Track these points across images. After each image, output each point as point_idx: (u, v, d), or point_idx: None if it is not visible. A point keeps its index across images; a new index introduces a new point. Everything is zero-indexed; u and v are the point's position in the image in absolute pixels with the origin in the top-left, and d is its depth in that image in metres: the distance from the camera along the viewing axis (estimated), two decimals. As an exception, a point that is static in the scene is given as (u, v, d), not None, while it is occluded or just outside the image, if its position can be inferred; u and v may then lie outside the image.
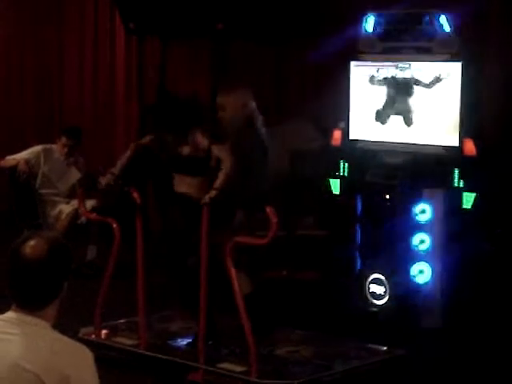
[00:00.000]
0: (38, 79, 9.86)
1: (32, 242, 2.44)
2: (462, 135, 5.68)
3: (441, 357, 5.41)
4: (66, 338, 2.49)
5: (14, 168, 7.43)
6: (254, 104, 5.58)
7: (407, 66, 5.89)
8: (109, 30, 9.23)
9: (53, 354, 2.40)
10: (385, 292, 5.88)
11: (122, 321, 5.78)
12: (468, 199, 5.67)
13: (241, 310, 4.81)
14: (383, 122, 6.04)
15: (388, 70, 5.98)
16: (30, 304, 2.45)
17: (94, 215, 6.14)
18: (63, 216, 7.37)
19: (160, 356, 5.22)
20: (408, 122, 5.92)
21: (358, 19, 6.09)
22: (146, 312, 5.42)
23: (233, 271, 4.87)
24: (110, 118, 9.50)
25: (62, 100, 9.76)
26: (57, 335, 2.47)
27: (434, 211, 5.74)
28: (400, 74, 5.93)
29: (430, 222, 5.76)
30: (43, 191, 7.53)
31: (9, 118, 9.91)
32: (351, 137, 6.17)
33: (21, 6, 9.73)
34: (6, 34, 9.85)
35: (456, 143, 5.70)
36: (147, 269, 5.43)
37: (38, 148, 7.62)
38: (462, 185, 5.67)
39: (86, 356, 2.45)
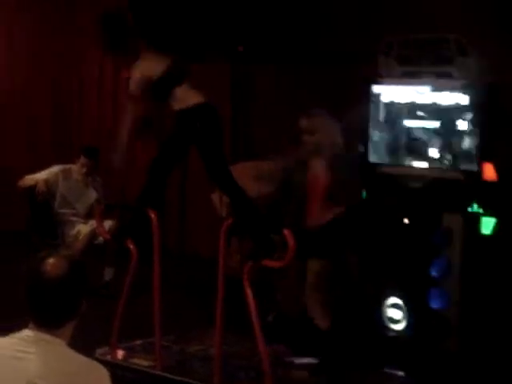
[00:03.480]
0: (57, 100, 9.94)
1: (52, 260, 2.45)
2: (481, 160, 5.65)
3: (458, 381, 5.36)
4: (82, 357, 2.48)
5: (32, 188, 7.47)
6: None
7: (426, 90, 5.88)
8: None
9: (69, 373, 2.40)
10: (402, 317, 5.84)
11: (138, 342, 5.76)
12: (487, 225, 5.64)
13: (257, 334, 4.78)
14: (402, 146, 6.04)
15: (407, 94, 5.97)
16: (48, 321, 2.45)
17: (111, 236, 6.15)
18: (81, 236, 7.38)
19: (176, 377, 5.19)
20: (426, 145, 5.91)
21: (378, 43, 6.10)
22: (162, 333, 5.41)
23: (249, 293, 4.84)
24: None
25: (81, 121, 9.83)
26: (73, 354, 2.47)
27: (453, 236, 5.70)
28: (419, 98, 5.92)
29: (449, 247, 5.72)
30: (61, 211, 7.55)
31: (28, 137, 9.98)
32: (370, 160, 6.16)
33: (42, 26, 9.84)
34: (28, 55, 9.96)
35: (475, 168, 5.67)
36: (164, 289, 5.42)
37: (56, 168, 7.65)
38: (481, 210, 5.64)
39: (102, 375, 2.45)
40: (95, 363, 2.49)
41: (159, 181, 5.55)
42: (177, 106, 5.36)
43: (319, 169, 5.63)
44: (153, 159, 5.56)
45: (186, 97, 5.38)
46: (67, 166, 7.68)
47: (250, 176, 6.04)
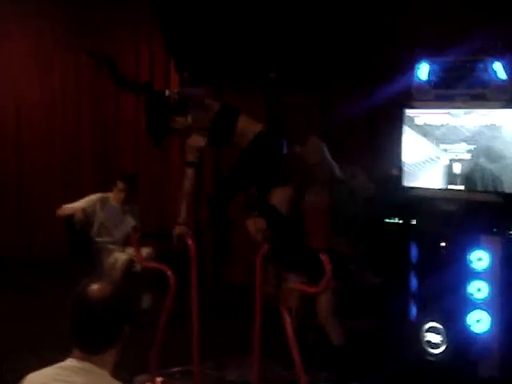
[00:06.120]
0: (94, 129, 10.05)
1: (96, 285, 2.48)
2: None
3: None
4: (124, 386, 2.50)
5: (70, 217, 7.52)
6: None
7: (461, 113, 5.87)
8: (163, 78, 9.39)
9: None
10: (441, 341, 5.79)
11: (177, 369, 5.77)
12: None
13: (295, 359, 4.77)
14: (437, 169, 6.01)
15: (441, 117, 5.96)
16: (92, 346, 2.47)
17: (149, 263, 6.18)
18: (118, 264, 7.42)
19: (215, 405, 5.21)
20: (461, 168, 5.89)
21: (412, 67, 6.10)
22: (200, 360, 5.41)
23: (287, 318, 4.84)
24: (165, 166, 9.62)
25: (117, 148, 9.92)
26: (116, 383, 2.49)
27: (492, 259, 5.66)
28: (453, 122, 5.91)
29: (487, 270, 5.67)
30: (99, 239, 7.60)
31: (65, 165, 10.09)
32: (404, 184, 6.14)
33: (79, 58, 9.96)
34: (64, 84, 10.08)
35: (512, 190, 5.63)
36: (202, 316, 5.42)
37: (94, 196, 7.70)
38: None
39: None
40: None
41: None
42: (240, 142, 5.55)
43: (314, 195, 5.76)
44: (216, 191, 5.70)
45: (244, 132, 5.55)
46: (105, 195, 7.73)
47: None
